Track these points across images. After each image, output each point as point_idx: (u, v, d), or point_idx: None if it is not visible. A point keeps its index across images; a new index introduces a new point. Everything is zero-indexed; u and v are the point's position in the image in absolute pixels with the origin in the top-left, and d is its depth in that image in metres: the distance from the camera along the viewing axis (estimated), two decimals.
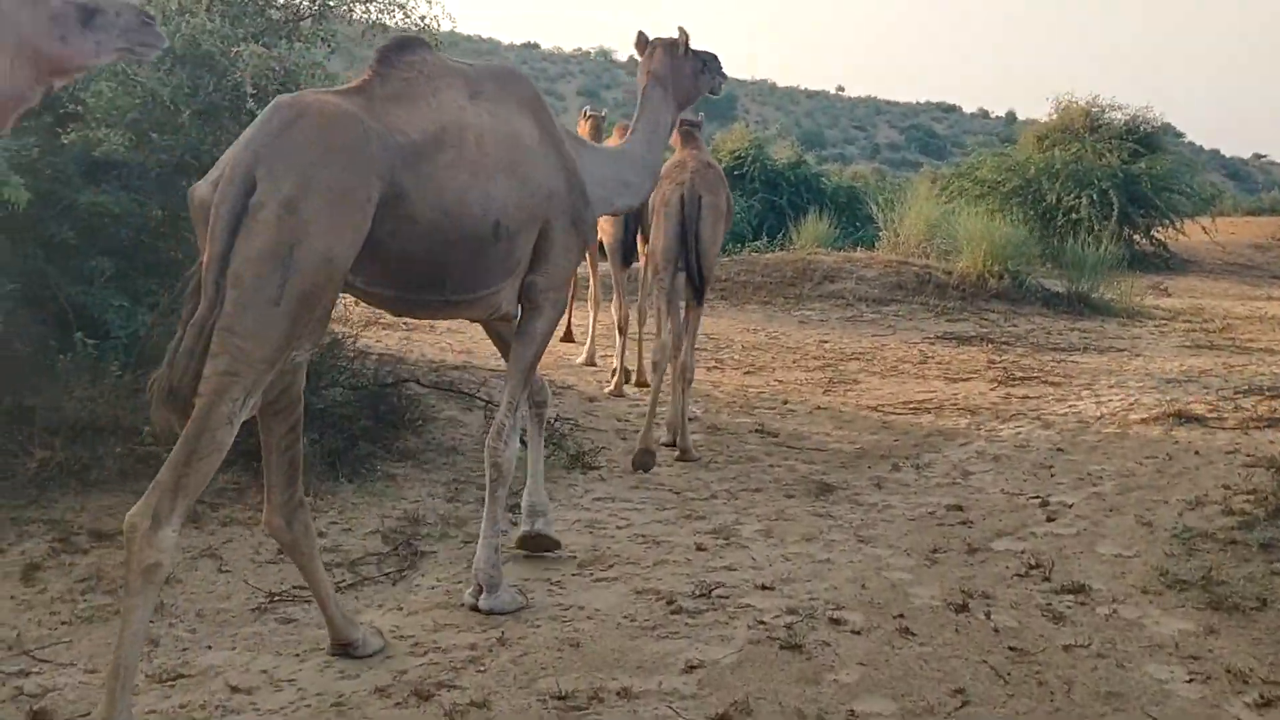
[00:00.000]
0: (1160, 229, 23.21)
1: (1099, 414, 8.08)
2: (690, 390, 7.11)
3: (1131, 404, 8.33)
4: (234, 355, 3.20)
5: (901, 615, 4.37)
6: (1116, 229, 21.05)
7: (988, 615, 4.41)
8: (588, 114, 9.67)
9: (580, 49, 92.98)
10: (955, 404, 8.56)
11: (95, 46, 3.36)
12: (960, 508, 5.89)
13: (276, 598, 4.41)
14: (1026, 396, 8.82)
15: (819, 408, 8.43)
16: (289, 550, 3.83)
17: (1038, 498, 6.08)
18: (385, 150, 3.56)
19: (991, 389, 9.11)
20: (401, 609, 4.37)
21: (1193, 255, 23.34)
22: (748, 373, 9.78)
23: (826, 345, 11.11)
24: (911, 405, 8.51)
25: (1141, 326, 12.89)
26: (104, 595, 4.31)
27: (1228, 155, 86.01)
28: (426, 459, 6.28)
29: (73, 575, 4.44)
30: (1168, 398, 8.43)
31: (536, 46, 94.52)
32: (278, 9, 6.21)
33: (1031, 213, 21.32)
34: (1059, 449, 7.14)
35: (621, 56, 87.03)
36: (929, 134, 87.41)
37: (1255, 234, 26.57)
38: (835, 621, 4.29)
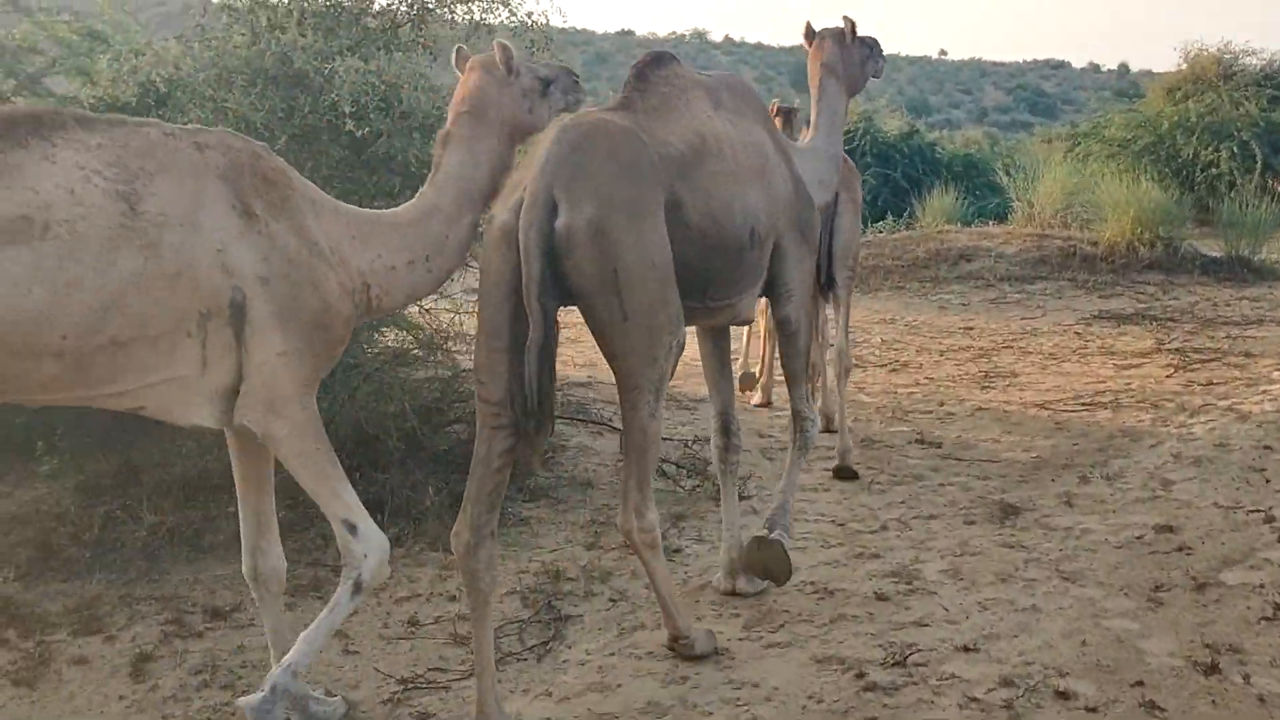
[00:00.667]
0: None
1: None
2: (845, 386, 6.58)
3: None
4: (625, 374, 3.53)
5: (1140, 683, 3.67)
6: (1261, 182, 19.59)
7: (1246, 679, 3.67)
8: (779, 107, 8.89)
9: (675, 32, 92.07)
10: (1132, 396, 7.70)
11: (548, 110, 3.82)
12: (1171, 528, 5.12)
13: (410, 685, 3.89)
14: (1211, 383, 7.91)
15: (980, 408, 7.65)
16: (467, 582, 3.52)
17: (1259, 511, 5.26)
18: (663, 161, 3.66)
19: (1169, 376, 8.21)
20: (551, 694, 3.81)
21: None
22: (892, 370, 9.03)
23: (973, 333, 10.27)
24: (1083, 400, 7.68)
25: None
26: (220, 690, 3.84)
27: None
28: (561, 496, 5.75)
29: (186, 666, 4.00)
30: None
31: (631, 33, 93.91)
32: (374, 17, 5.67)
33: (1167, 170, 19.96)
34: (1266, 447, 6.26)
35: (717, 36, 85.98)
36: (1037, 93, 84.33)
37: None
38: (1062, 695, 3.61)
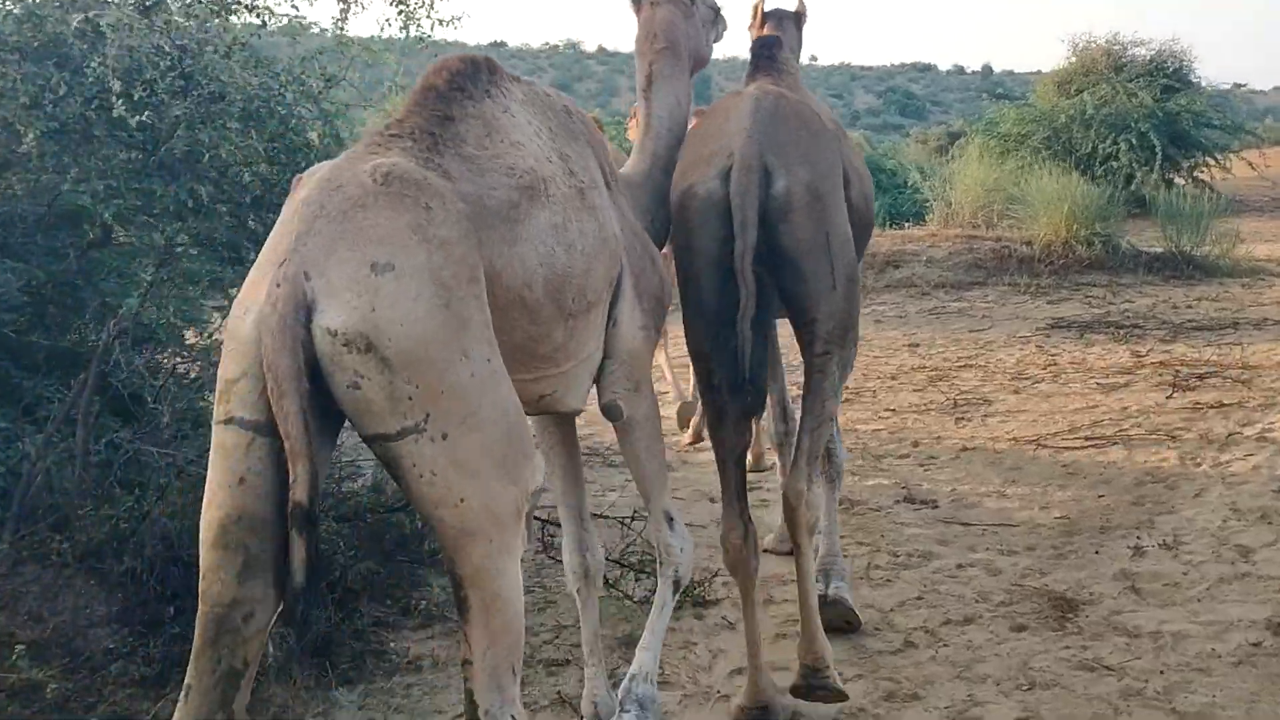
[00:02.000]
0: (1204, 169, 21.05)
1: None
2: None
3: None
4: (822, 340, 3.33)
5: None
6: (1160, 174, 19.08)
7: None
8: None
9: (548, 43, 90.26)
10: (1138, 426, 6.47)
11: (713, 42, 3.91)
12: None
13: None
14: (1222, 404, 6.74)
15: (964, 449, 6.33)
16: (733, 570, 3.46)
17: None
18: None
19: (1168, 398, 7.01)
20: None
21: (1236, 195, 21.19)
22: (846, 400, 7.66)
23: (920, 350, 8.97)
24: (1083, 434, 6.42)
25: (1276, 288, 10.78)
26: None
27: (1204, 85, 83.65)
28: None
29: None
30: None
31: (504, 44, 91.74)
32: None
33: (1065, 164, 19.27)
34: None
35: (590, 46, 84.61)
36: (906, 95, 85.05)
37: None
38: None
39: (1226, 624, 3.92)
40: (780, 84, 3.78)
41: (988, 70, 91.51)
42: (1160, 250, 12.01)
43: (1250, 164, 21.14)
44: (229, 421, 2.16)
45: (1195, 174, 20.93)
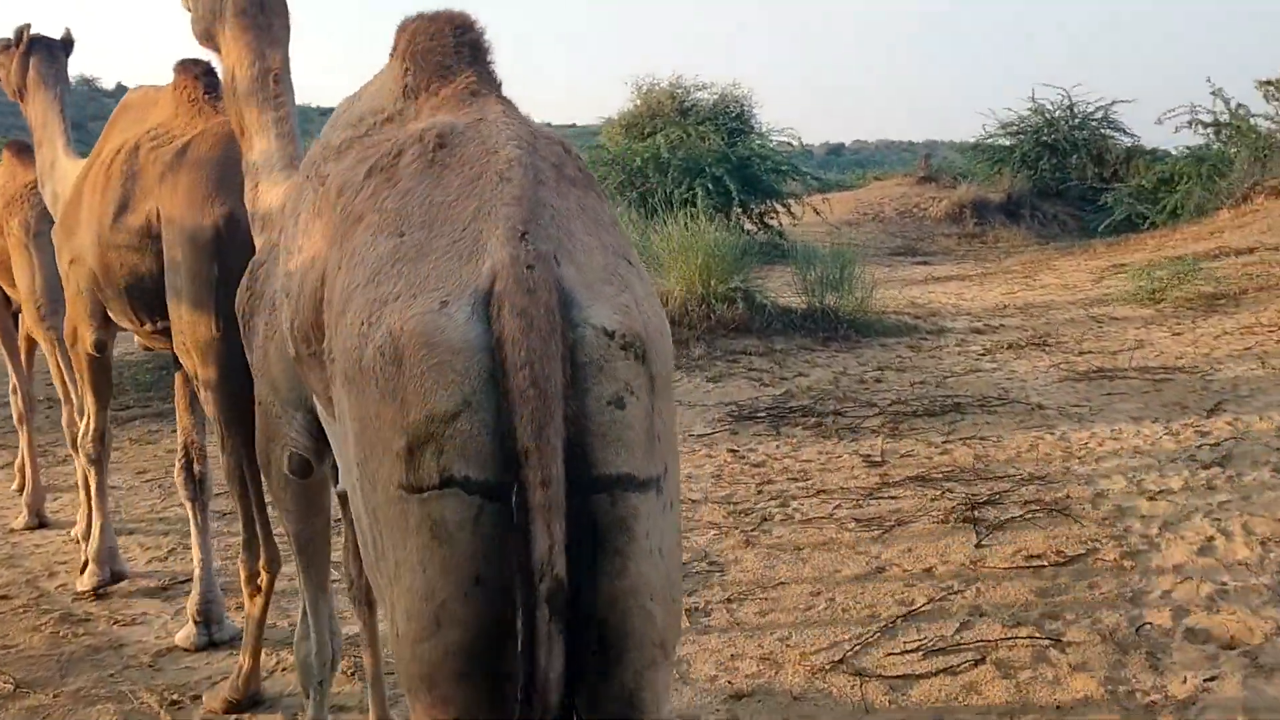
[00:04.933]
0: (774, 215, 20.34)
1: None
2: None
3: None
4: None
5: None
6: (736, 219, 18.18)
7: None
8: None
9: None
10: (983, 615, 4.03)
11: None
12: None
13: None
14: (1065, 556, 4.48)
15: (690, 683, 3.53)
16: None
17: None
18: None
19: (978, 546, 4.67)
20: None
21: (801, 239, 20.63)
22: None
23: None
24: (908, 639, 3.85)
25: (968, 349, 9.03)
26: None
27: None
28: None
29: None
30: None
31: None
32: None
33: (642, 210, 17.75)
34: None
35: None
36: None
37: (848, 210, 24.67)
38: None
39: None
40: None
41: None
42: (803, 307, 10.08)
43: (815, 209, 20.64)
44: (448, 485, 1.52)
45: (765, 219, 20.17)
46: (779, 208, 19.93)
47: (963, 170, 24.53)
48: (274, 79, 2.91)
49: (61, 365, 5.30)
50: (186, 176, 3.60)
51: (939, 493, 5.35)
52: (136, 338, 4.25)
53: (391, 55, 2.28)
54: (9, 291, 5.86)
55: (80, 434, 4.70)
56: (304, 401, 2.36)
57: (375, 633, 3.17)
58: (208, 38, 3.14)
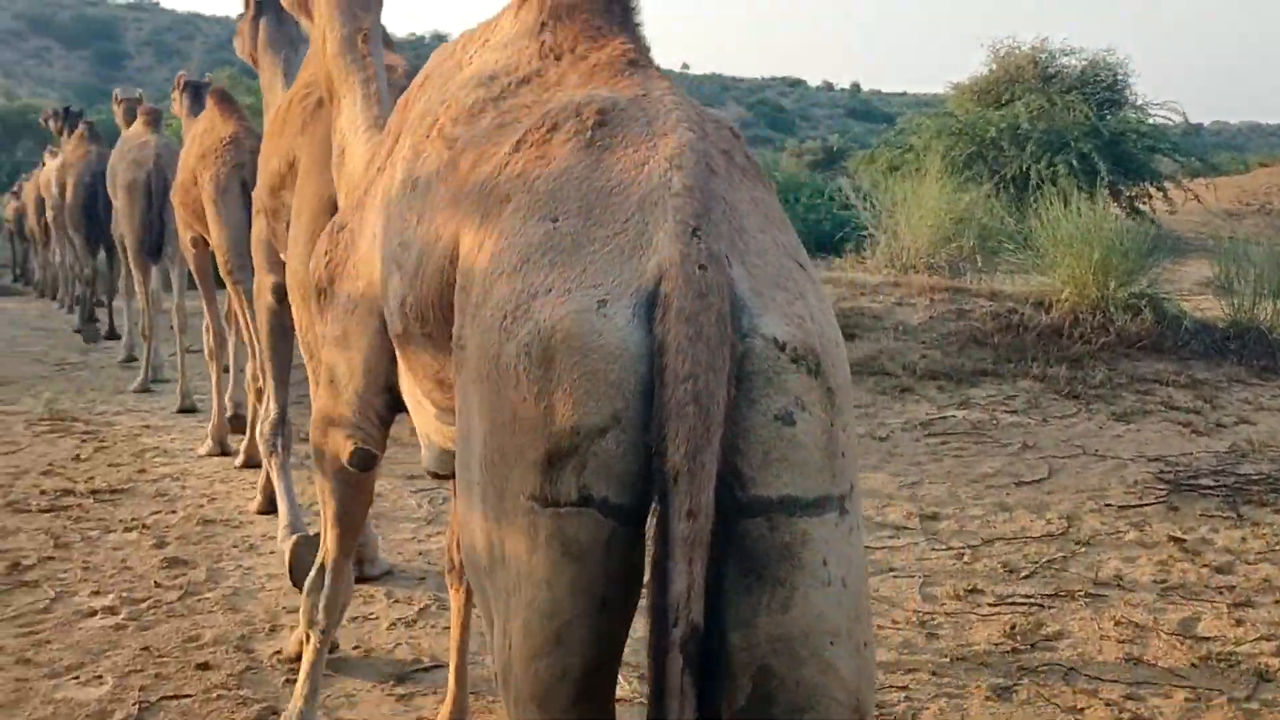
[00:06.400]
0: (1146, 199, 17.77)
1: None
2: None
3: None
4: None
5: None
6: (1104, 201, 15.72)
7: None
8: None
9: (414, 34, 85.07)
10: None
11: None
12: None
13: None
14: None
15: None
16: None
17: None
18: None
19: None
20: None
21: (1172, 230, 17.79)
22: None
23: (941, 536, 4.69)
24: None
25: None
26: None
27: None
28: None
29: None
30: None
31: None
32: None
33: (993, 186, 15.83)
34: None
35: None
36: (776, 109, 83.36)
37: (1228, 199, 21.40)
38: None
39: None
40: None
41: (855, 88, 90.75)
42: (1224, 321, 8.07)
43: (1197, 196, 17.86)
44: (585, 504, 1.40)
45: (1136, 204, 17.69)
46: (1153, 191, 17.41)
47: None
48: (363, 39, 2.90)
49: (248, 323, 5.33)
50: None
51: None
52: None
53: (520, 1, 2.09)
54: (206, 236, 5.97)
55: (260, 417, 4.54)
56: (388, 382, 2.25)
57: (468, 621, 3.09)
58: (299, 5, 3.17)
